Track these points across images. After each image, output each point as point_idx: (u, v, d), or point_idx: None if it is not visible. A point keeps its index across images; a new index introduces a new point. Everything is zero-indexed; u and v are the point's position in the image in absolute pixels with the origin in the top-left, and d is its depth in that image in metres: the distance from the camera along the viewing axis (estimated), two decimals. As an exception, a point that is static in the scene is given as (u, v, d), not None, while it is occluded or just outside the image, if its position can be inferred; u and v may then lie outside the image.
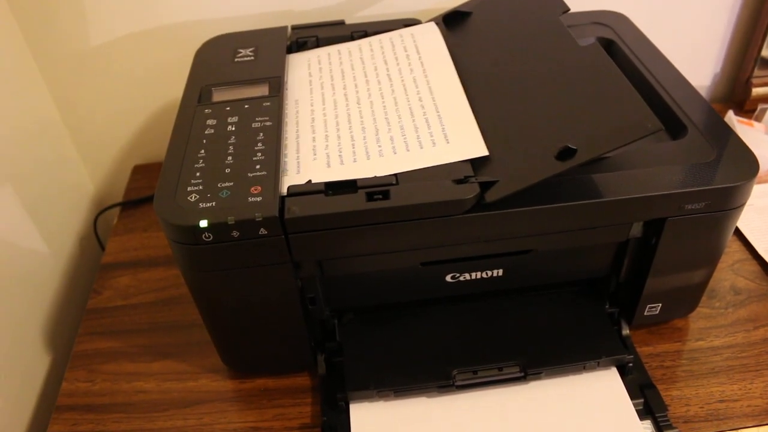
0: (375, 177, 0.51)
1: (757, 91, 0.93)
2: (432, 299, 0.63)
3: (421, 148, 0.54)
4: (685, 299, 0.63)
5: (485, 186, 0.50)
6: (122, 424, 0.60)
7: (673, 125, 0.59)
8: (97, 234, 0.85)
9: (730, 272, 0.72)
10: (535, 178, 0.48)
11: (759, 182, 0.81)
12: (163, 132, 0.83)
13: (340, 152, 0.55)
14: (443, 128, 0.55)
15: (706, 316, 0.67)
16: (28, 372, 0.70)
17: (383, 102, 0.59)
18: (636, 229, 0.56)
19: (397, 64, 0.64)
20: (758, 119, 0.89)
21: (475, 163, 0.52)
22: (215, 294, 0.54)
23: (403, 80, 0.62)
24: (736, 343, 0.64)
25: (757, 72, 0.93)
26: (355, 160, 0.54)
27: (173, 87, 0.81)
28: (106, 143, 0.89)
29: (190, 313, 0.68)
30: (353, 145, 0.55)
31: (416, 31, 0.69)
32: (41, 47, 0.79)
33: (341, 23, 0.74)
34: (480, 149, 0.53)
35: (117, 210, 0.84)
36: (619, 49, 0.69)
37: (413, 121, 0.57)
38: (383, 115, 0.58)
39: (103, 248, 0.83)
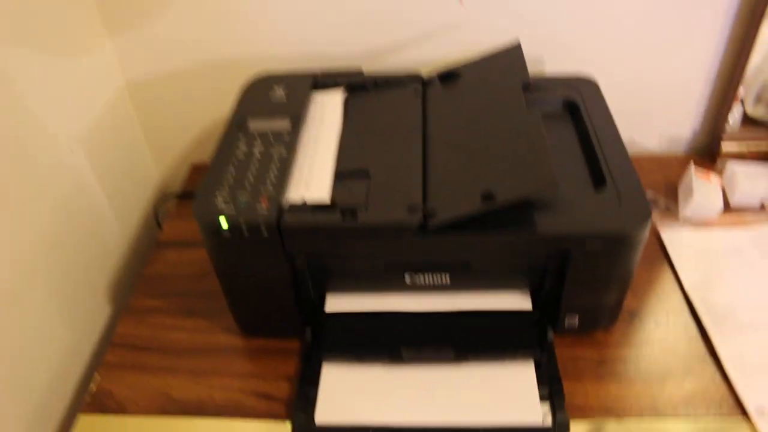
0: (352, 199, 0.69)
1: (726, 145, 1.07)
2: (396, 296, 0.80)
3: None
4: (602, 315, 0.79)
5: (429, 215, 0.68)
6: (158, 361, 0.81)
7: (598, 177, 0.75)
8: (157, 218, 1.07)
9: (655, 299, 0.86)
10: (464, 212, 0.66)
11: (705, 226, 0.96)
12: (214, 138, 1.05)
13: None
14: (310, 178, 0.74)
15: (624, 332, 0.82)
16: (97, 318, 0.93)
17: None
18: (551, 258, 0.72)
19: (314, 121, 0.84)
20: (720, 173, 1.02)
21: (427, 192, 0.70)
22: (230, 273, 0.74)
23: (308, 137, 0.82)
24: (643, 355, 0.80)
25: (730, 129, 1.07)
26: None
27: (222, 105, 1.02)
28: (170, 145, 1.12)
29: (218, 285, 0.88)
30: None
31: (326, 97, 0.88)
32: (130, 64, 1.01)
33: (360, 73, 0.92)
34: (324, 197, 0.70)
35: (175, 201, 1.06)
36: (579, 112, 0.85)
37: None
38: None
39: (160, 227, 1.05)
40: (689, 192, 0.97)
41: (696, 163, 1.06)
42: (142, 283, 0.92)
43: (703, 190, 0.97)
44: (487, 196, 0.65)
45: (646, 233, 0.70)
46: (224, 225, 0.67)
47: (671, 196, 1.02)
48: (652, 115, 1.09)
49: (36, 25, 0.82)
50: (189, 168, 1.12)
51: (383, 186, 0.72)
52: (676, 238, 0.94)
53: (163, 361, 0.81)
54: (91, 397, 0.78)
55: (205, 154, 1.12)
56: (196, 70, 1.03)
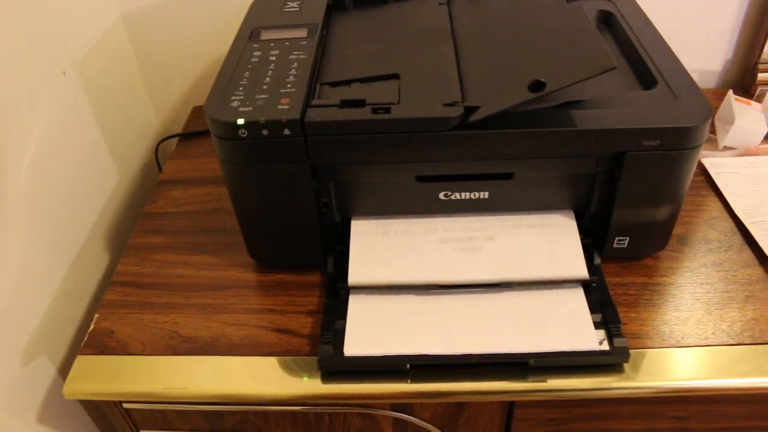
0: (383, 97, 0.62)
1: (762, 76, 1.00)
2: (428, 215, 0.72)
3: None
4: (652, 236, 0.72)
5: (470, 110, 0.60)
6: (162, 299, 0.73)
7: (646, 79, 0.68)
8: (157, 159, 0.99)
9: (704, 225, 0.80)
10: (509, 103, 0.58)
11: (748, 154, 0.89)
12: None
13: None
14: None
15: (675, 259, 0.75)
16: (96, 258, 0.86)
17: None
18: (602, 164, 0.65)
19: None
20: (759, 100, 0.96)
21: (465, 91, 0.63)
22: (246, 186, 0.66)
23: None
24: (698, 281, 0.72)
25: (764, 58, 1.00)
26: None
27: (226, 41, 0.95)
28: (171, 85, 1.04)
29: (227, 222, 0.80)
30: None
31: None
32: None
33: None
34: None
35: (176, 140, 0.98)
36: (616, 21, 0.78)
37: None
38: None
39: (161, 170, 0.97)
40: (730, 119, 0.91)
41: (731, 96, 1.00)
42: (144, 221, 0.83)
43: (744, 114, 0.90)
44: (536, 86, 0.58)
45: (706, 130, 0.63)
46: (241, 124, 0.60)
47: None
48: (682, 49, 1.02)
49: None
50: (191, 111, 1.04)
51: (416, 86, 0.65)
52: (720, 166, 0.87)
53: (170, 298, 0.73)
54: (89, 337, 0.70)
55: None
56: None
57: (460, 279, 0.68)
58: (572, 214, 0.72)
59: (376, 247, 0.70)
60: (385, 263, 0.69)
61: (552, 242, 0.70)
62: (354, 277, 0.67)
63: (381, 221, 0.72)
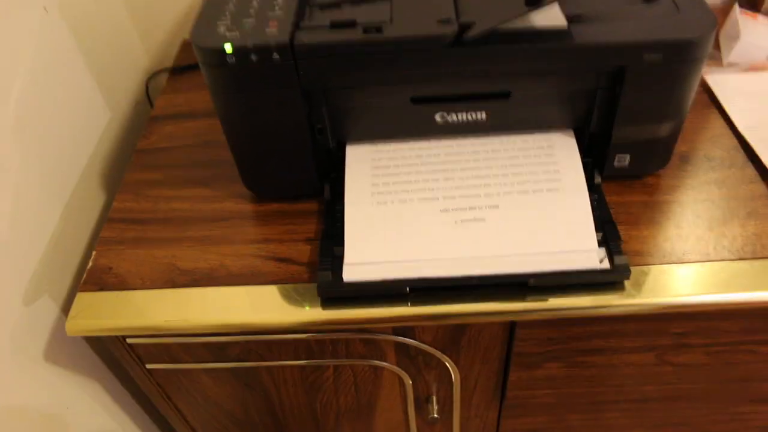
0: (374, 17, 0.60)
1: (768, -11, 0.97)
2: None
3: None
4: (653, 154, 0.71)
5: (465, 27, 0.58)
6: (160, 233, 0.73)
7: (648, -8, 0.66)
8: (148, 95, 0.97)
9: (707, 143, 0.78)
10: (505, 18, 0.56)
11: (753, 70, 0.87)
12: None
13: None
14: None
15: (676, 177, 0.74)
16: (92, 196, 0.85)
17: None
18: (602, 80, 0.63)
19: None
20: (766, 13, 0.93)
21: (459, 9, 0.60)
22: (238, 115, 0.65)
23: None
24: (699, 198, 0.72)
25: (770, -28, 0.97)
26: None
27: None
28: (158, 19, 1.01)
29: (222, 154, 0.79)
30: None
31: None
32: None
33: None
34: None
35: (166, 76, 0.96)
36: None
37: None
38: None
39: (152, 106, 0.95)
40: (735, 34, 0.88)
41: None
42: (138, 157, 0.82)
43: (751, 29, 0.87)
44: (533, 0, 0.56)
45: (710, 42, 0.61)
46: (228, 50, 0.58)
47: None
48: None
49: None
50: (180, 45, 1.02)
51: (409, 4, 0.62)
52: (723, 82, 0.85)
53: (167, 232, 0.73)
54: (88, 274, 0.69)
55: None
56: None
57: (463, 256, 0.64)
58: (572, 134, 0.70)
59: (373, 220, 0.66)
60: (383, 240, 0.65)
61: (560, 210, 0.66)
62: (351, 257, 0.64)
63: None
